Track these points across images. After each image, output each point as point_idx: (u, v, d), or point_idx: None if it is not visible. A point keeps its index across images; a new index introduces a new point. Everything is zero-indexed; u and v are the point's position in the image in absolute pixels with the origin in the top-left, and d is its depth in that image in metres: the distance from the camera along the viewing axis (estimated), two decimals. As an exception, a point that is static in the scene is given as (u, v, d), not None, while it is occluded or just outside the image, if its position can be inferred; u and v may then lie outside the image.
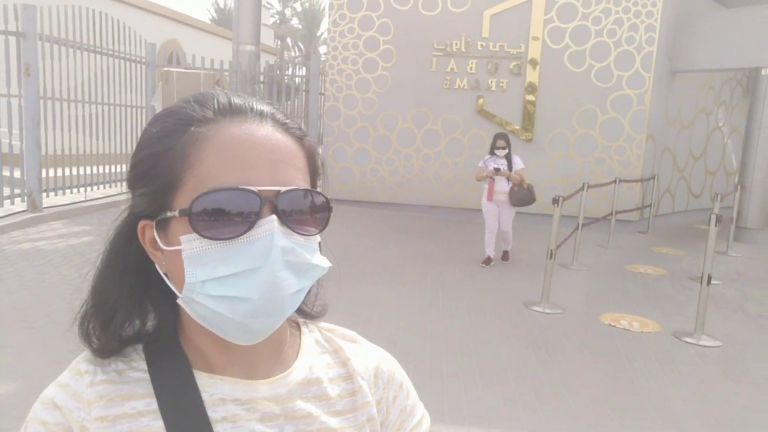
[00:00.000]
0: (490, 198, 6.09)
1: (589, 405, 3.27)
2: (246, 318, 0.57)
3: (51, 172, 7.58)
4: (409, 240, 7.37)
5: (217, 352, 0.63)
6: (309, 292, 0.72)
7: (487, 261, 6.19)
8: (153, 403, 0.60)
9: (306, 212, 0.60)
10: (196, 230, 0.56)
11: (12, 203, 6.98)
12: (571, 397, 3.34)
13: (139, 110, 9.43)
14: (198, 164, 0.57)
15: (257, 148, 0.58)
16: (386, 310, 4.66)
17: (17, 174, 7.08)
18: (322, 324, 0.76)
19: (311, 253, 0.60)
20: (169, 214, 0.58)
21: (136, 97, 9.31)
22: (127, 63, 8.98)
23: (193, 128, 0.59)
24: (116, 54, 8.67)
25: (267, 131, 0.60)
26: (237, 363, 0.64)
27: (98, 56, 8.28)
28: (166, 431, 0.59)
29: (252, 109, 0.61)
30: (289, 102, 10.20)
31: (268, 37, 23.51)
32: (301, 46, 44.59)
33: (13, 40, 6.83)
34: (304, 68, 10.36)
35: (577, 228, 6.30)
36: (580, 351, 4.08)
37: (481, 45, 8.99)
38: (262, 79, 9.96)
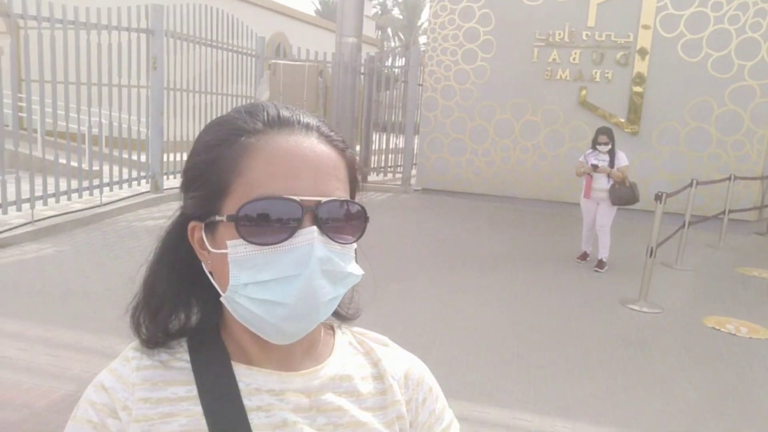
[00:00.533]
0: (587, 195, 5.88)
1: (684, 407, 3.17)
2: (282, 321, 0.60)
3: (171, 157, 8.29)
4: (503, 232, 7.34)
5: (254, 346, 0.66)
6: (344, 296, 0.77)
7: (583, 257, 6.04)
8: (193, 390, 0.64)
9: (344, 221, 0.63)
10: (241, 235, 0.60)
11: (138, 184, 7.75)
12: (664, 398, 3.26)
13: (248, 100, 10.03)
14: (247, 173, 0.61)
15: (302, 159, 0.61)
16: (477, 300, 4.72)
17: (143, 158, 7.83)
18: (355, 328, 0.79)
19: (347, 261, 0.63)
20: (217, 218, 0.61)
21: (246, 87, 9.92)
22: (239, 56, 9.59)
23: (243, 138, 0.62)
24: (230, 47, 9.29)
25: (312, 143, 0.63)
26: (273, 357, 0.67)
27: (214, 50, 8.92)
28: (204, 416, 0.62)
29: (299, 122, 0.64)
30: (387, 92, 10.41)
31: (369, 28, 23.93)
32: (402, 36, 44.94)
33: (142, 36, 7.52)
34: (403, 59, 10.52)
35: (684, 226, 5.99)
36: (678, 352, 3.93)
37: (586, 35, 8.68)
38: (362, 70, 10.23)
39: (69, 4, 6.58)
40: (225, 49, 9.20)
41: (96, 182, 6.92)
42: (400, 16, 45.83)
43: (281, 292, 0.59)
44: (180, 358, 0.67)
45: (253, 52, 9.94)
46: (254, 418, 0.63)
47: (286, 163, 0.61)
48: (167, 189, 7.97)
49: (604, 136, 5.79)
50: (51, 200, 6.35)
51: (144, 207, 7.24)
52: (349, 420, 0.67)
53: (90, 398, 0.64)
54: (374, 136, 10.48)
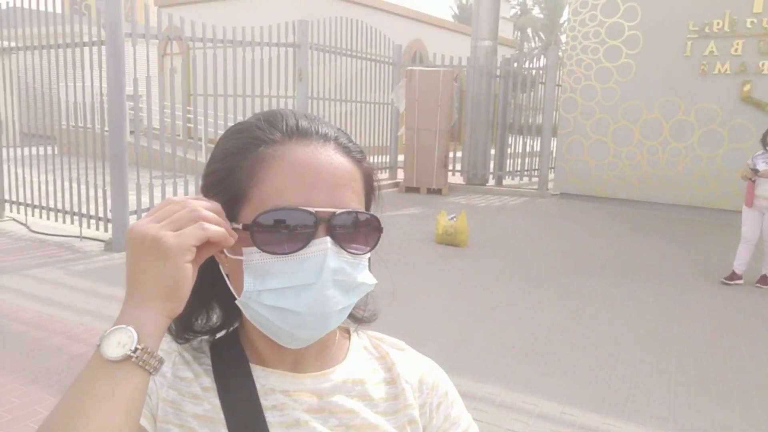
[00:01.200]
0: (749, 203, 5.18)
1: None
2: (293, 328, 0.61)
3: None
4: (646, 240, 6.85)
5: (269, 349, 0.68)
6: (372, 317, 0.78)
7: (731, 277, 5.24)
8: (213, 389, 0.66)
9: (357, 232, 0.63)
10: (256, 244, 0.61)
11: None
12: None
13: (385, 107, 10.39)
14: (264, 182, 0.62)
15: (318, 170, 0.62)
16: (611, 310, 4.47)
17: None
18: (371, 332, 0.79)
19: (359, 271, 0.64)
20: (233, 225, 0.62)
21: (383, 95, 10.27)
22: (377, 64, 9.96)
23: (261, 148, 0.63)
24: (368, 57, 9.70)
25: (329, 154, 0.64)
26: (286, 359, 0.68)
27: (354, 60, 9.36)
28: (222, 410, 0.65)
29: (317, 132, 0.65)
30: (524, 94, 10.18)
31: (506, 30, 23.50)
32: (542, 36, 43.49)
33: (290, 50, 8.13)
34: (542, 59, 10.23)
35: None
36: None
37: (751, 22, 7.82)
38: (498, 73, 10.12)
39: (228, 25, 7.31)
40: (364, 59, 9.62)
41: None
42: (541, 15, 44.39)
43: (294, 301, 0.60)
44: (203, 363, 0.69)
45: (390, 60, 10.27)
46: (269, 417, 0.65)
47: (302, 175, 0.61)
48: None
49: None
50: (211, 201, 7.08)
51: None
52: (360, 422, 0.68)
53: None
54: (510, 139, 10.29)
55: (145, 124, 7.30)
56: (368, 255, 0.65)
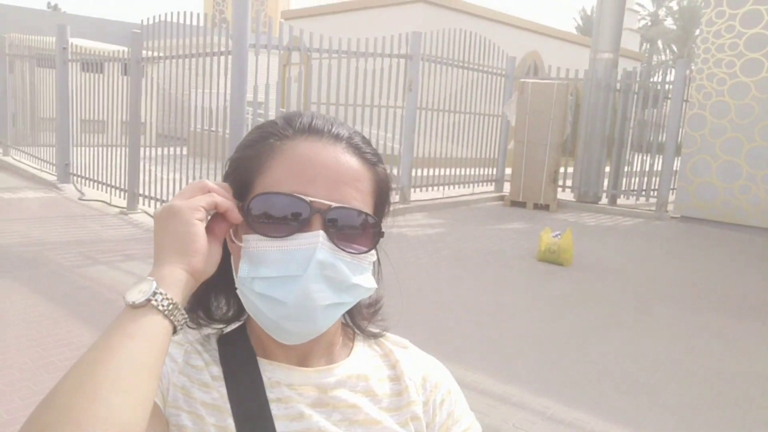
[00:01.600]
0: None
1: None
2: (281, 319, 0.62)
3: (419, 172, 8.92)
4: (780, 273, 6.15)
5: (274, 343, 0.69)
6: (377, 309, 0.78)
7: None
8: (221, 378, 0.68)
9: (355, 231, 0.63)
10: (249, 225, 0.63)
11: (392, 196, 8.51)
12: None
13: (495, 119, 10.24)
14: (267, 172, 0.64)
15: (321, 165, 0.63)
16: (727, 347, 4.06)
17: (395, 172, 8.59)
18: (375, 330, 0.78)
19: (355, 272, 0.63)
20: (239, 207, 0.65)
21: (494, 106, 10.13)
22: (489, 76, 9.86)
23: (271, 140, 0.65)
24: (480, 68, 9.62)
25: (336, 152, 0.64)
26: (290, 355, 0.69)
27: (465, 71, 9.34)
28: (229, 400, 0.66)
29: (329, 132, 0.66)
30: (645, 110, 9.58)
31: (633, 42, 22.25)
32: (674, 49, 40.68)
33: (402, 61, 8.28)
34: (671, 72, 9.57)
35: None
36: None
37: None
38: (618, 87, 9.61)
39: (344, 37, 7.60)
40: (476, 70, 9.57)
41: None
42: (674, 27, 41.57)
43: (281, 290, 0.61)
44: (213, 354, 0.71)
45: (503, 72, 10.12)
46: (274, 409, 0.66)
47: (304, 167, 0.62)
48: (414, 201, 8.59)
49: None
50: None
51: (392, 216, 7.90)
52: (363, 417, 0.68)
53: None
54: (627, 156, 9.72)
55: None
56: (369, 257, 0.65)
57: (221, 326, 0.74)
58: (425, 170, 9.01)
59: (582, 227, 7.94)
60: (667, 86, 9.24)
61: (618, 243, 7.23)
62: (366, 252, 0.65)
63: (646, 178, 9.51)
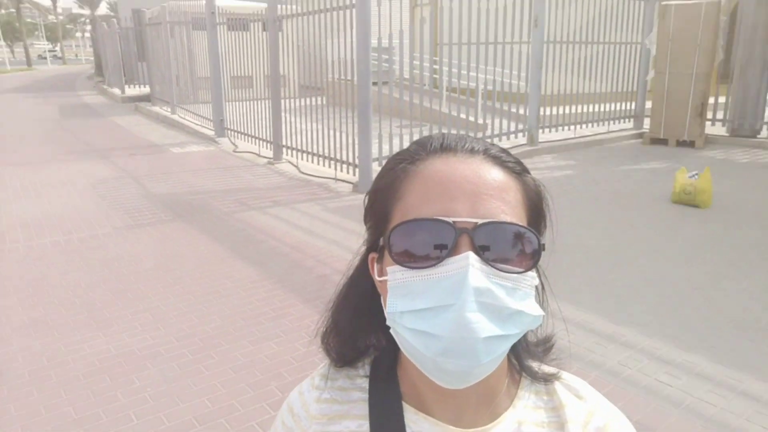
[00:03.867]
0: None
1: None
2: (438, 356, 0.55)
3: (548, 111, 8.69)
4: None
5: (428, 388, 0.63)
6: (548, 347, 0.70)
7: None
8: (364, 426, 0.65)
9: (510, 249, 0.56)
10: (392, 258, 0.58)
11: (516, 137, 8.46)
12: None
13: (633, 47, 9.53)
14: (404, 198, 0.59)
15: (459, 180, 0.58)
16: None
17: (521, 111, 8.47)
18: (550, 370, 0.70)
19: (516, 297, 0.56)
20: (380, 243, 0.62)
21: (633, 34, 9.41)
22: (626, 1, 9.13)
23: (403, 165, 0.62)
24: (618, -6, 8.94)
25: (474, 165, 0.59)
26: (446, 404, 0.64)
27: (598, 1, 8.74)
28: None
29: (463, 147, 0.61)
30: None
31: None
32: None
33: (530, -4, 7.99)
34: None
35: None
36: None
37: None
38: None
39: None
40: (612, -3, 8.92)
41: (481, 134, 7.90)
42: None
43: (433, 323, 0.55)
44: (359, 386, 0.68)
45: (644, -5, 9.30)
46: None
47: (442, 185, 0.58)
48: (542, 142, 8.45)
49: None
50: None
51: (521, 158, 7.90)
52: None
53: (282, 417, 0.72)
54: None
55: (396, 75, 8.02)
56: (529, 279, 0.57)
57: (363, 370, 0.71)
58: (555, 109, 8.74)
59: (731, 165, 7.31)
60: None
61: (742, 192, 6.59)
62: (524, 272, 0.57)
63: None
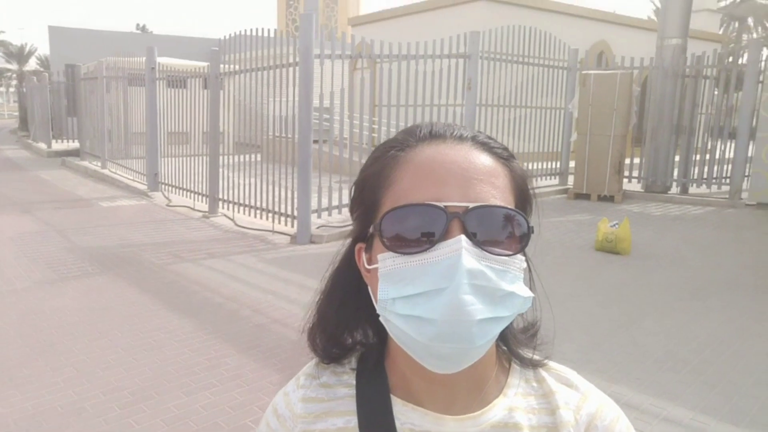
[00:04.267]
0: None
1: None
2: (432, 341, 0.55)
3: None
4: None
5: (418, 378, 0.63)
6: (533, 333, 0.70)
7: None
8: (352, 421, 0.64)
9: (500, 232, 0.57)
10: (384, 245, 0.57)
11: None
12: None
13: (557, 112, 10.23)
14: (394, 184, 0.59)
15: (450, 165, 0.58)
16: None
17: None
18: (538, 356, 0.70)
19: (507, 279, 0.56)
20: (370, 231, 0.61)
21: (557, 100, 10.13)
22: (551, 69, 9.87)
23: (392, 152, 0.61)
24: (541, 62, 9.66)
25: (463, 150, 0.59)
26: (435, 393, 0.63)
27: (526, 66, 9.42)
28: None
29: (452, 134, 0.61)
30: (716, 93, 9.26)
31: (713, 24, 21.15)
32: (767, 25, 37.95)
33: (461, 61, 8.50)
34: (744, 55, 9.20)
35: None
36: None
37: None
38: (687, 72, 9.35)
39: (408, 40, 7.91)
40: (537, 65, 9.62)
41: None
42: (765, 1, 38.78)
43: (427, 307, 0.54)
44: (345, 382, 0.67)
45: (565, 65, 10.09)
46: None
47: (432, 171, 0.58)
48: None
49: None
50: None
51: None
52: None
53: (268, 419, 0.70)
54: (698, 143, 9.42)
55: (335, 135, 8.21)
56: (519, 262, 0.58)
57: (359, 351, 0.70)
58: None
59: (646, 217, 7.84)
60: (742, 69, 8.90)
61: (683, 232, 7.11)
62: (516, 254, 0.57)
63: (717, 166, 9.20)
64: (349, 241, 0.67)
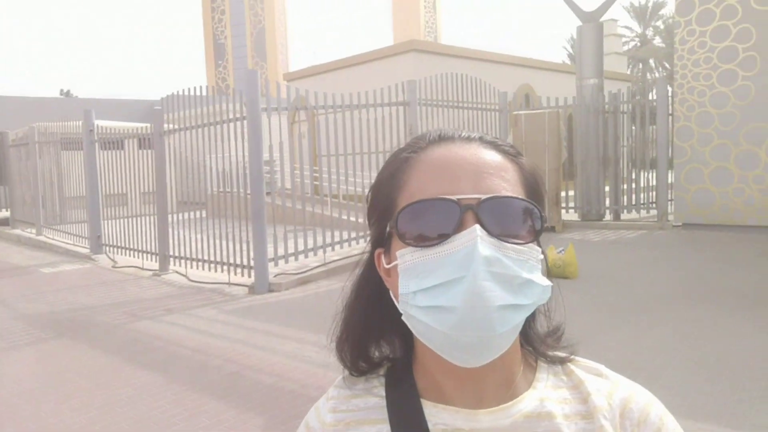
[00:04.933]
0: None
1: None
2: (452, 330, 0.55)
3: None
4: (777, 266, 6.50)
5: (446, 377, 0.63)
6: (559, 336, 0.70)
7: None
8: (384, 429, 0.64)
9: (514, 222, 0.58)
10: (401, 239, 0.59)
11: (401, 233, 8.99)
12: None
13: (494, 151, 10.79)
14: (407, 184, 0.61)
15: (461, 162, 0.60)
16: (721, 333, 4.42)
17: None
18: (564, 352, 0.70)
19: (524, 268, 0.57)
20: (387, 230, 0.62)
21: (492, 140, 10.70)
22: (484, 112, 10.48)
23: (403, 155, 0.63)
24: (474, 106, 10.25)
25: (473, 149, 0.61)
26: (465, 390, 0.63)
27: (461, 110, 9.96)
28: None
29: (460, 135, 0.64)
30: (634, 128, 10.10)
31: (621, 65, 23.02)
32: (667, 65, 41.54)
33: (401, 108, 8.92)
34: (654, 91, 10.12)
35: None
36: None
37: None
38: (606, 108, 10.17)
39: (345, 91, 8.26)
40: (471, 108, 10.19)
41: (369, 232, 8.32)
42: (663, 44, 42.57)
43: (447, 297, 0.55)
44: (375, 394, 0.67)
45: (497, 107, 10.73)
46: None
47: (444, 168, 0.60)
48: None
49: None
50: (337, 247, 7.89)
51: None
52: None
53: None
54: (626, 172, 10.17)
55: (279, 185, 8.35)
56: (535, 252, 0.59)
57: (386, 365, 0.70)
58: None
59: (587, 243, 8.33)
60: (654, 104, 9.78)
61: (622, 254, 7.61)
62: (530, 242, 0.59)
63: (643, 193, 9.94)
64: (368, 248, 0.68)
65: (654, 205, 9.78)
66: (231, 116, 7.15)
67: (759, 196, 8.37)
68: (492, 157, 0.61)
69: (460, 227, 0.57)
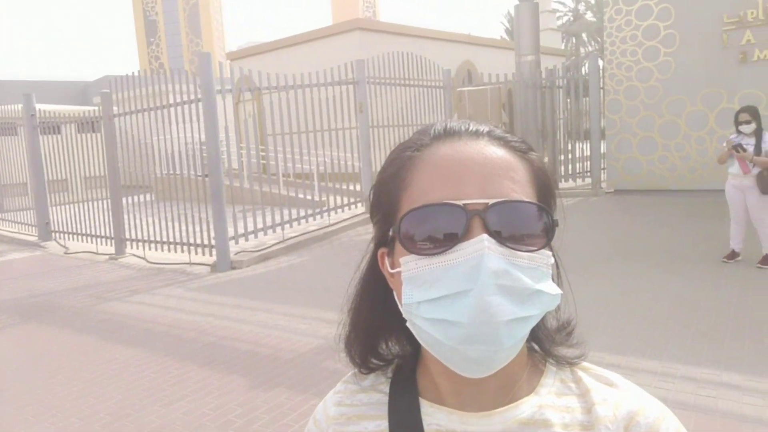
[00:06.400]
0: (747, 170, 5.15)
1: None
2: (459, 344, 0.53)
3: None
4: (696, 225, 7.24)
5: (446, 379, 0.62)
6: (569, 332, 0.69)
7: (730, 256, 5.49)
8: (383, 425, 0.64)
9: (523, 227, 0.55)
10: (404, 247, 0.56)
11: (356, 207, 9.33)
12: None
13: (440, 127, 11.23)
14: (411, 185, 0.58)
15: (467, 162, 0.57)
16: (650, 284, 5.01)
17: (357, 187, 9.41)
18: (574, 352, 0.68)
19: (534, 277, 0.55)
20: (390, 233, 0.59)
21: (438, 117, 11.12)
22: (429, 90, 10.86)
23: (408, 153, 0.60)
24: (420, 84, 10.61)
25: (479, 146, 0.58)
26: (463, 393, 0.62)
27: (408, 88, 10.30)
28: None
29: (467, 130, 0.60)
30: (569, 100, 10.74)
31: (555, 41, 23.87)
32: (599, 39, 43.18)
33: (350, 87, 9.16)
34: (586, 66, 10.77)
35: None
36: None
37: (784, 8, 8.11)
38: (543, 83, 10.75)
39: (293, 72, 8.42)
40: (417, 86, 10.55)
41: (324, 208, 8.62)
42: (594, 19, 44.12)
43: (452, 310, 0.53)
44: (380, 390, 0.67)
45: (441, 84, 11.13)
46: None
47: (449, 169, 0.57)
48: (377, 210, 9.42)
49: (745, 114, 5.19)
50: (294, 224, 8.14)
51: (361, 225, 8.74)
52: None
53: (308, 426, 0.72)
54: (562, 144, 10.83)
55: (226, 166, 8.48)
56: (545, 258, 0.57)
57: (396, 362, 0.70)
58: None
59: (529, 212, 8.92)
60: (586, 78, 10.42)
61: (561, 220, 8.20)
62: (541, 249, 0.56)
63: (579, 163, 10.63)
64: (371, 246, 0.66)
65: (589, 174, 10.49)
66: (180, 99, 7.21)
67: (680, 163, 9.18)
68: (500, 155, 0.58)
69: (466, 234, 0.54)
